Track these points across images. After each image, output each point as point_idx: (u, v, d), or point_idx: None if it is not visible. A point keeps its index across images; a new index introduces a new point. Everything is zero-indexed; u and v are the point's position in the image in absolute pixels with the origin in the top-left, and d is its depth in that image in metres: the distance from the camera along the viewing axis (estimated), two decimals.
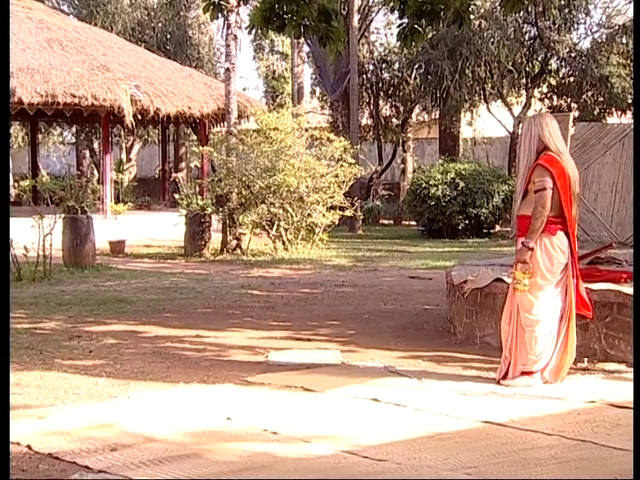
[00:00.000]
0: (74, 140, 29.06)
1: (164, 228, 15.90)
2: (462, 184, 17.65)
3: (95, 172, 26.49)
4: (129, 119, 16.98)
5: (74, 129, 27.46)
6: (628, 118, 23.79)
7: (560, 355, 5.22)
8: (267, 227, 14.65)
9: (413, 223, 21.21)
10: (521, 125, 5.39)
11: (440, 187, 17.69)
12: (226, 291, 9.85)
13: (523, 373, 5.21)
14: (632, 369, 5.53)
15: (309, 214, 14.77)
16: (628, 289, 5.82)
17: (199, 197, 15.07)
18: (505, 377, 5.23)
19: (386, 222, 23.05)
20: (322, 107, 27.06)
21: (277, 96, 33.16)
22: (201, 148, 16.95)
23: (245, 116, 18.30)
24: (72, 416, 4.54)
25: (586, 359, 5.75)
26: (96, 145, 27.28)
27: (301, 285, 10.44)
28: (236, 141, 14.90)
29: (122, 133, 26.75)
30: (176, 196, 15.70)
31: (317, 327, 7.46)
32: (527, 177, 5.15)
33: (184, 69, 20.84)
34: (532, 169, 5.13)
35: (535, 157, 5.15)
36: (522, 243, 5.10)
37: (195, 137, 22.59)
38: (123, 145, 29.13)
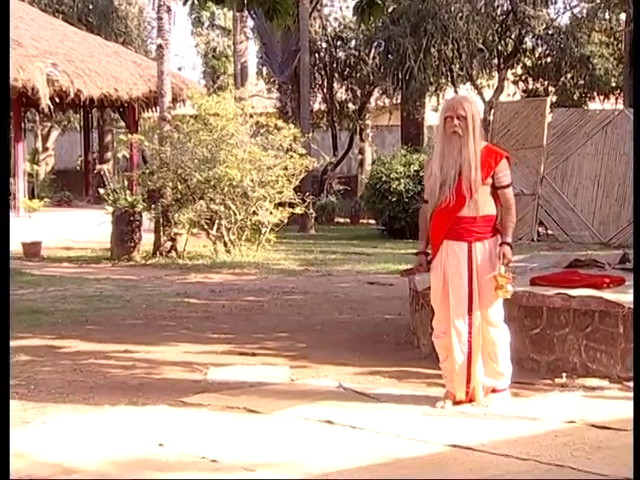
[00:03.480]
0: None
1: (87, 228, 15.74)
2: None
3: None
4: (45, 102, 16.77)
5: None
6: (611, 103, 24.23)
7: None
8: (206, 226, 14.59)
9: (372, 222, 21.29)
10: (468, 107, 5.31)
11: (402, 181, 17.81)
12: (159, 299, 9.80)
13: (494, 391, 5.26)
14: (615, 385, 5.65)
15: (254, 212, 14.75)
16: (611, 295, 5.92)
17: (128, 192, 14.95)
18: (471, 399, 5.24)
19: (342, 220, 23.11)
20: (269, 90, 27.06)
21: (218, 77, 33.08)
22: (130, 136, 16.82)
23: (181, 100, 18.21)
24: None
25: (564, 374, 5.84)
26: None
27: (245, 292, 10.44)
28: (170, 128, 14.81)
29: (37, 118, 26.40)
30: (101, 191, 15.55)
31: (263, 340, 7.46)
32: (485, 169, 5.14)
33: (109, 45, 20.67)
34: (496, 161, 5.17)
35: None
36: (506, 244, 5.12)
37: (123, 123, 22.40)
38: (39, 132, 28.76)
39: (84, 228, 16.17)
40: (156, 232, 14.51)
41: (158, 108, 15.43)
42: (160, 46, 15.01)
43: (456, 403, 5.20)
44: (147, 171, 14.87)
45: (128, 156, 18.57)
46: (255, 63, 28.76)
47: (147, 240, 14.57)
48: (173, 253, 14.21)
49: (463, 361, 5.13)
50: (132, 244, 14.08)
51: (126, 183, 15.97)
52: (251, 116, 15.50)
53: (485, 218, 5.15)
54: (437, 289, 5.23)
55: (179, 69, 31.91)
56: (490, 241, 5.16)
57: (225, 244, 14.56)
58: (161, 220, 14.38)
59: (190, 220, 14.34)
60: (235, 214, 14.52)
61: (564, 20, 23.80)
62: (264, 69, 26.97)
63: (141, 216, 14.41)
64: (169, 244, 14.35)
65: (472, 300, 5.14)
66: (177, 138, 14.74)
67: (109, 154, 26.23)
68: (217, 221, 14.56)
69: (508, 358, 5.26)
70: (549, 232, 17.04)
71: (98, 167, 20.19)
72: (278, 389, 5.73)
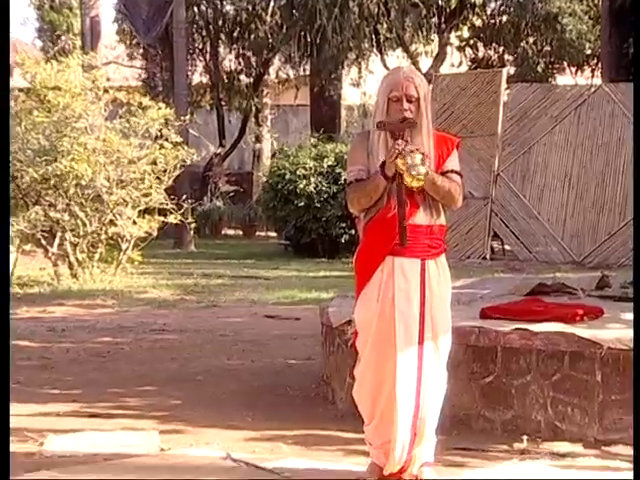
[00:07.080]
0: None
1: None
2: (346, 175, 17.93)
3: None
4: None
5: None
6: (586, 77, 24.76)
7: None
8: (44, 241, 14.43)
9: (272, 234, 21.35)
10: (419, 83, 5.40)
11: (312, 180, 17.90)
12: None
13: (424, 464, 5.23)
14: (591, 451, 5.77)
15: (111, 221, 14.65)
16: (585, 331, 6.01)
17: None
18: (403, 471, 5.26)
19: (232, 233, 23.15)
20: (131, 56, 26.91)
21: (59, 37, 32.73)
22: None
23: None
24: None
25: (525, 437, 5.92)
26: None
27: (98, 331, 10.40)
28: None
29: None
30: None
31: (122, 396, 7.42)
32: (436, 160, 5.21)
33: None
34: (448, 151, 5.25)
35: None
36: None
37: None
38: None
39: None
40: None
41: None
42: None
43: (383, 478, 5.21)
44: None
45: None
46: (112, 19, 28.58)
47: None
48: None
49: (410, 419, 5.13)
50: None
51: None
52: (106, 91, 15.39)
53: (440, 228, 5.20)
54: (368, 324, 5.16)
55: None
56: (443, 258, 5.21)
57: (70, 266, 14.41)
58: None
59: (21, 233, 14.15)
60: (84, 225, 14.38)
61: None
62: (124, 27, 26.80)
63: None
64: None
65: (423, 336, 5.10)
66: None
67: None
68: (59, 234, 14.40)
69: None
70: (506, 247, 17.32)
71: None
72: (143, 463, 5.69)
